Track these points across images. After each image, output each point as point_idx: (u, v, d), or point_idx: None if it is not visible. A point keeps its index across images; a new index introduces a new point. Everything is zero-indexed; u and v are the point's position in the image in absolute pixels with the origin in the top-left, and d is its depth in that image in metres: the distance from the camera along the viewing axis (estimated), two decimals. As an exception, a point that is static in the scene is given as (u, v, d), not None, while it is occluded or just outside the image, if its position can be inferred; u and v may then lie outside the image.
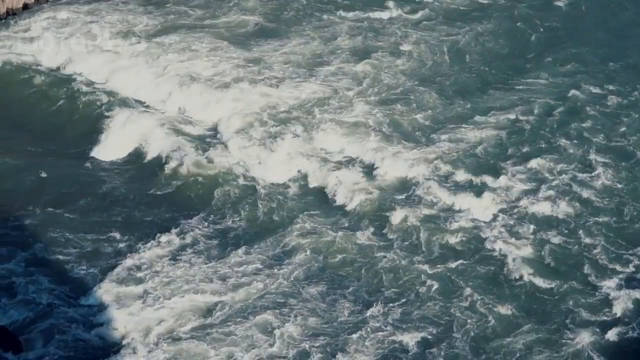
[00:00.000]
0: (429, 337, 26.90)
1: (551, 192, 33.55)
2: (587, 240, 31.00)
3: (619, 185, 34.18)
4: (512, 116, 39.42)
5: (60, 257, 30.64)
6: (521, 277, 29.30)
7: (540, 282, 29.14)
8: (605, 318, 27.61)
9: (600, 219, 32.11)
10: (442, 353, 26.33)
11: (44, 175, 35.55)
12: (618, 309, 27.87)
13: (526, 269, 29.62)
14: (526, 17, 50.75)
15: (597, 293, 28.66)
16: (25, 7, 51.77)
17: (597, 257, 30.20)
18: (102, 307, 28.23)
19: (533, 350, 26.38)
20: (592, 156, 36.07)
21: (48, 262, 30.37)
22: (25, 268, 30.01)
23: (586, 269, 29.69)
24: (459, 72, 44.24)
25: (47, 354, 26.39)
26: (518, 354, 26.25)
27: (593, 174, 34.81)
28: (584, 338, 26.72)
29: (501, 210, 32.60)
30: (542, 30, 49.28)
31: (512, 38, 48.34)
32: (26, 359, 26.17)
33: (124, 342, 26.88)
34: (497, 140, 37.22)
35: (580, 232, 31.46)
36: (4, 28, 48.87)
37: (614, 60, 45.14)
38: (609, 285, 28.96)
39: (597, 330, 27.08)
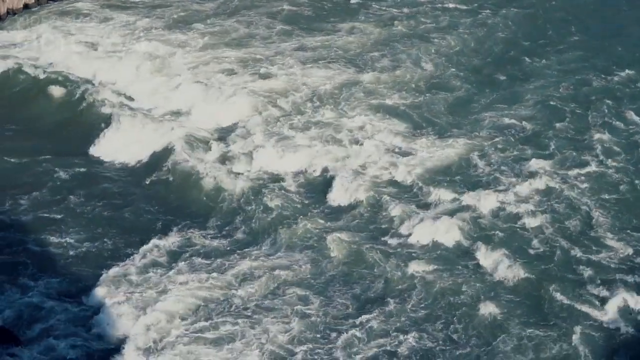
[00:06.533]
0: (429, 337, 26.46)
1: (552, 193, 32.90)
2: (591, 237, 30.48)
3: (634, 181, 33.64)
4: (528, 111, 39.43)
5: (60, 256, 30.48)
6: (517, 279, 28.70)
7: (540, 281, 28.48)
8: (605, 317, 27.08)
9: (610, 216, 31.57)
10: (442, 352, 25.90)
11: (43, 175, 35.28)
12: (617, 309, 27.30)
13: (527, 268, 28.99)
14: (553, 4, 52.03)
15: (598, 292, 28.02)
16: (26, 7, 52.32)
17: (602, 256, 29.53)
18: (101, 307, 27.91)
19: (532, 349, 25.92)
20: (606, 149, 35.82)
21: (48, 261, 30.20)
22: (25, 268, 29.79)
23: (589, 268, 28.98)
24: (488, 60, 45.01)
25: (45, 353, 26.08)
26: (517, 353, 25.79)
27: (607, 169, 34.36)
28: (586, 337, 26.18)
29: (505, 210, 31.98)
30: (567, 18, 50.11)
31: (536, 25, 49.41)
32: (25, 358, 25.85)
33: (123, 342, 26.47)
34: (504, 141, 36.89)
35: (584, 229, 30.94)
36: (5, 28, 49.27)
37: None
38: (609, 283, 28.29)
39: (597, 329, 26.58)
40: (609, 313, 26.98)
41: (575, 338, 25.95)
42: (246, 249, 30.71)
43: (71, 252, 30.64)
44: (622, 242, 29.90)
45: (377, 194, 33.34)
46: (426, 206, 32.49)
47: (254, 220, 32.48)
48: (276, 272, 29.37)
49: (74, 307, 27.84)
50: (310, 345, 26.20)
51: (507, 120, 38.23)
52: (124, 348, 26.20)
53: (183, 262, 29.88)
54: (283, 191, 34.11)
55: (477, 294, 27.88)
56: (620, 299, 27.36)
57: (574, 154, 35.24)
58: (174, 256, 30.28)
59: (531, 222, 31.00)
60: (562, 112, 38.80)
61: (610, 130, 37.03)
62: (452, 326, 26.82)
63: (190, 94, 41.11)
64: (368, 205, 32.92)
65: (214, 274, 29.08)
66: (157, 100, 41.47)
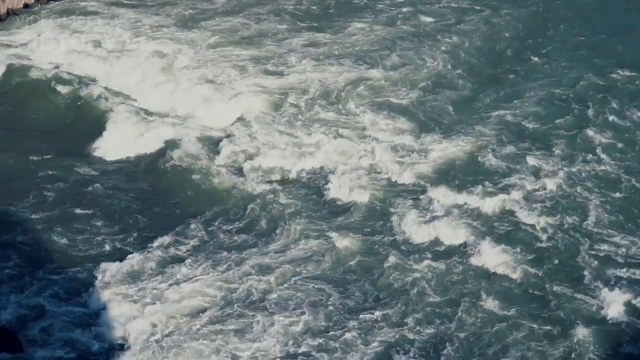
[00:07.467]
0: (429, 337, 26.45)
1: (554, 193, 32.76)
2: (591, 235, 30.41)
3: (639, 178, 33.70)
4: (534, 109, 39.38)
5: (61, 256, 30.18)
6: (521, 276, 28.71)
7: (545, 277, 28.44)
8: (609, 313, 27.07)
9: (611, 215, 31.50)
10: (442, 352, 25.90)
11: (44, 175, 35.12)
12: (621, 305, 27.27)
13: (532, 264, 28.99)
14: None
15: (602, 288, 27.99)
16: (26, 6, 52.05)
17: (606, 253, 29.55)
18: (102, 307, 27.65)
19: (533, 349, 25.90)
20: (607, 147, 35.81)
21: (48, 261, 29.89)
22: (25, 267, 29.49)
23: (593, 265, 28.98)
24: (493, 58, 45.32)
25: (47, 354, 25.88)
26: (517, 353, 25.78)
27: (612, 167, 34.37)
28: (590, 333, 26.14)
29: (510, 207, 31.94)
30: (571, 17, 50.23)
31: (540, 24, 49.63)
32: (26, 358, 25.54)
33: (124, 343, 26.37)
34: (503, 141, 36.82)
35: (589, 226, 30.87)
36: (5, 28, 49.00)
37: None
38: (614, 280, 28.28)
39: (602, 325, 26.57)
40: (614, 309, 26.93)
41: (580, 333, 25.91)
42: (247, 248, 30.58)
43: (72, 251, 30.37)
44: (627, 239, 29.95)
45: (384, 191, 33.39)
46: (432, 203, 32.46)
47: (265, 217, 32.37)
48: (292, 265, 29.42)
49: (74, 307, 27.66)
50: (328, 335, 26.36)
51: (512, 119, 38.28)
52: (124, 348, 26.03)
53: (184, 262, 29.69)
54: (293, 188, 34.15)
55: (484, 290, 27.88)
56: (625, 295, 27.35)
57: (579, 151, 35.28)
58: (175, 256, 30.12)
59: (536, 220, 30.98)
60: (566, 110, 38.89)
61: (614, 128, 37.05)
62: (461, 319, 26.81)
63: (199, 92, 40.92)
64: (376, 202, 32.92)
65: (215, 274, 28.95)
66: (165, 98, 41.25)
